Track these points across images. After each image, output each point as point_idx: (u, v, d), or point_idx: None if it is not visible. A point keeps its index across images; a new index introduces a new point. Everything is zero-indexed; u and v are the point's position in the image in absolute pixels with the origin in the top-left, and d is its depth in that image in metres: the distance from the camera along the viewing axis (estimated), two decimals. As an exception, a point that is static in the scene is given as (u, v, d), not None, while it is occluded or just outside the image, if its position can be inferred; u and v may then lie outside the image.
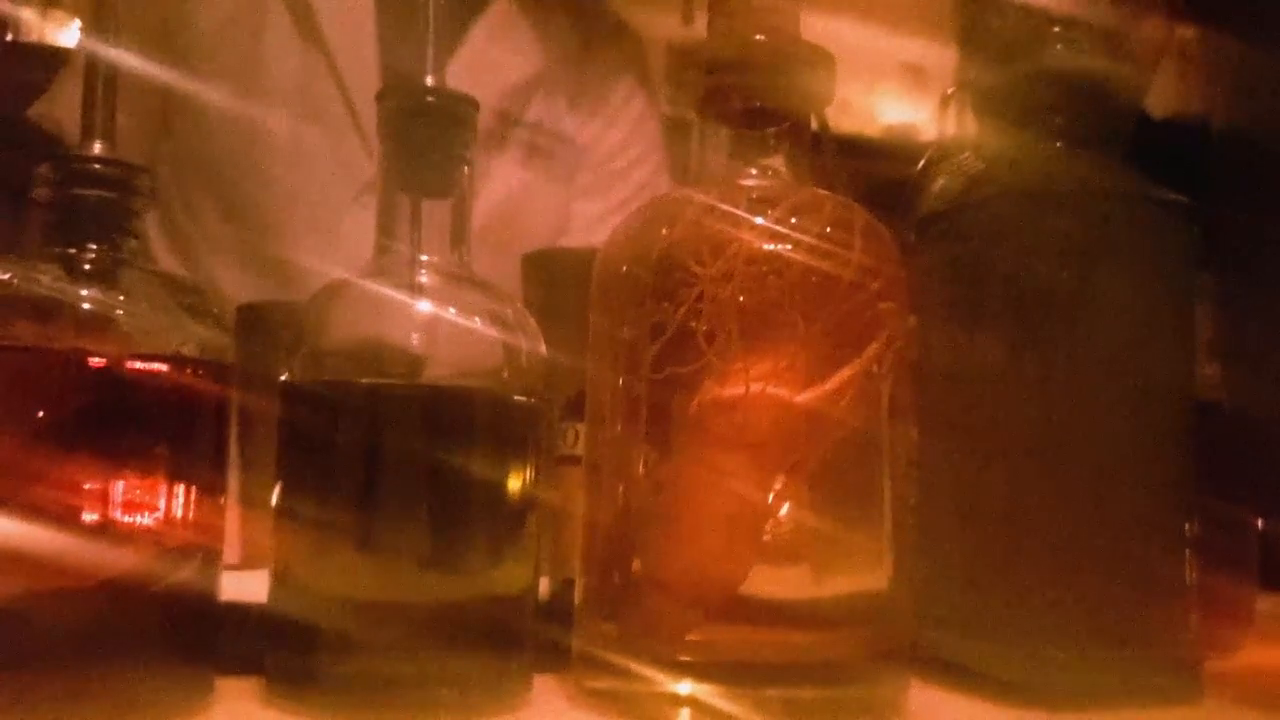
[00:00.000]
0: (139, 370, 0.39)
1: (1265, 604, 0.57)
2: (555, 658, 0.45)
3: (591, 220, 1.14)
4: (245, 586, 0.43)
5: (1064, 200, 0.50)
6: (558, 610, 0.47)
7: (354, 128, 1.02)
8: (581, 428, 0.54)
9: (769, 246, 0.42)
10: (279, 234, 1.02)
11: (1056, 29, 0.52)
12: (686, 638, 0.42)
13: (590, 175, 1.15)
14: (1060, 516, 0.48)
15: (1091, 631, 0.47)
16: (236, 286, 1.01)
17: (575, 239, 1.13)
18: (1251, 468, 0.56)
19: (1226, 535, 0.54)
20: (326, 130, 1.03)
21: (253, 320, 0.60)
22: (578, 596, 0.46)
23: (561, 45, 1.11)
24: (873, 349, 0.43)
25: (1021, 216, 0.50)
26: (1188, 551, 0.50)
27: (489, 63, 1.06)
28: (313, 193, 1.02)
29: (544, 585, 0.52)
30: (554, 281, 0.69)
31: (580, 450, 0.54)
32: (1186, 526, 0.50)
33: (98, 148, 0.40)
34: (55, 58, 1.14)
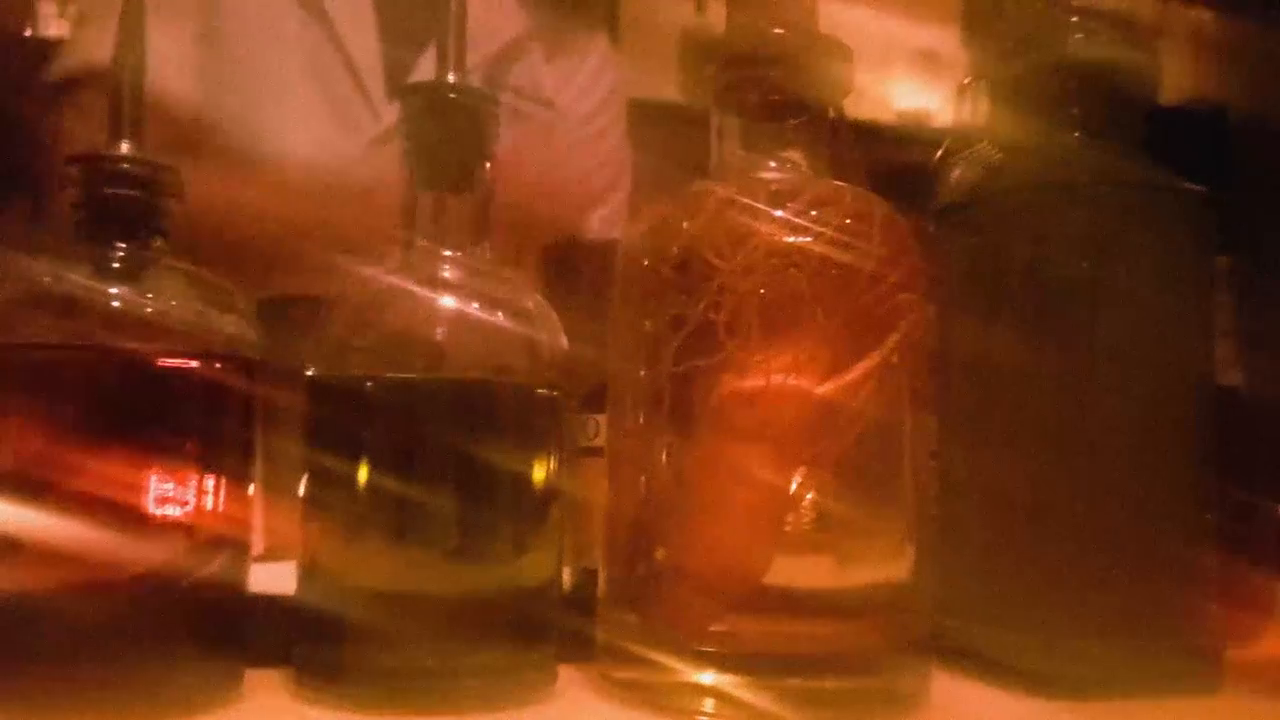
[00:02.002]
0: (169, 366, 0.40)
1: (1286, 592, 0.57)
2: (579, 648, 0.46)
3: (565, 183, 1.16)
4: (273, 579, 0.44)
5: (1082, 191, 0.50)
6: (580, 601, 0.48)
7: (356, 88, 1.02)
8: (601, 419, 0.55)
9: (789, 239, 0.42)
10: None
11: (1074, 19, 0.52)
12: (710, 628, 0.42)
13: (565, 140, 1.17)
14: (1080, 505, 0.48)
15: (1112, 620, 0.47)
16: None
17: (553, 202, 1.15)
18: (1272, 455, 0.56)
19: (1247, 523, 0.54)
20: (330, 93, 1.02)
21: (273, 314, 0.60)
22: (601, 587, 0.46)
23: (541, 11, 1.13)
24: (893, 340, 0.43)
25: (1040, 207, 0.50)
26: (1208, 540, 0.50)
27: (478, 29, 1.07)
28: (320, 155, 1.02)
29: (565, 576, 0.52)
30: (571, 273, 0.69)
31: (600, 442, 0.54)
32: (1207, 515, 0.50)
33: (125, 147, 0.41)
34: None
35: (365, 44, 1.03)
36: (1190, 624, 0.49)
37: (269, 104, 1.00)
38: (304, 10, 1.01)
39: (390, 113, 1.02)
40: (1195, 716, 0.47)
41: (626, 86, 1.26)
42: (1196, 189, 0.51)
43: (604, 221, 1.16)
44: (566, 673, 0.45)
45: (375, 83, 1.02)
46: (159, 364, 0.40)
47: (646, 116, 1.37)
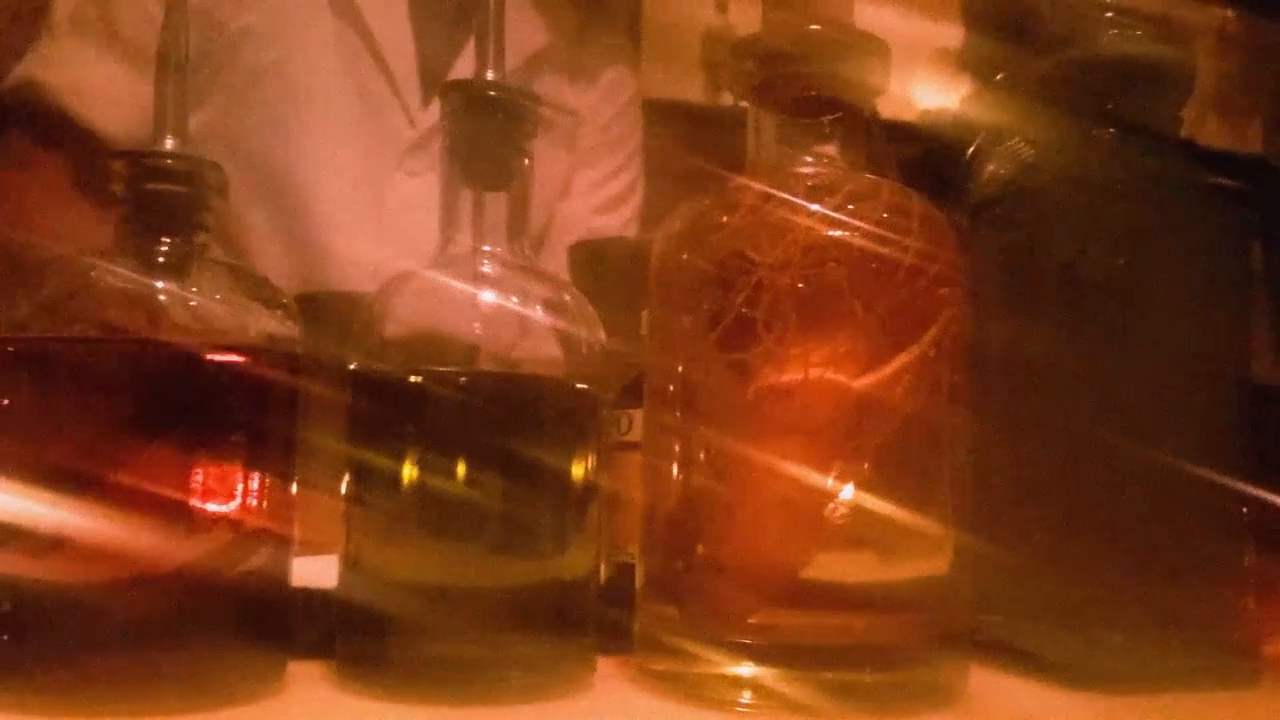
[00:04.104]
0: (214, 361, 0.40)
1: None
2: (617, 640, 0.46)
3: (588, 185, 1.18)
4: (313, 572, 0.44)
5: (1118, 187, 0.50)
6: (615, 594, 0.48)
7: (392, 94, 1.03)
8: (635, 414, 0.55)
9: (827, 233, 0.42)
10: (321, 205, 1.01)
11: (1110, 15, 0.52)
12: (748, 621, 0.42)
13: (586, 145, 1.18)
14: (1117, 501, 0.48)
15: (1148, 615, 0.47)
16: (269, 269, 1.01)
17: (573, 202, 1.18)
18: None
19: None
20: (365, 98, 1.03)
21: (309, 310, 0.61)
22: (639, 580, 0.46)
23: (561, 25, 1.14)
24: (931, 334, 0.43)
25: (1075, 203, 0.50)
26: (1244, 535, 0.50)
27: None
28: (354, 163, 1.02)
29: (601, 569, 0.52)
30: (602, 270, 0.70)
31: (634, 437, 0.54)
32: (1243, 510, 0.50)
33: (169, 144, 0.41)
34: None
35: (401, 51, 1.03)
36: (1227, 619, 0.49)
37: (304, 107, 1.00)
38: (339, 16, 1.02)
39: (425, 119, 1.03)
40: (1232, 711, 0.47)
41: (647, 88, 1.28)
42: (1233, 184, 0.51)
43: (617, 226, 1.17)
44: (605, 664, 0.45)
45: (411, 89, 1.03)
46: (204, 359, 0.40)
47: (667, 116, 1.37)
